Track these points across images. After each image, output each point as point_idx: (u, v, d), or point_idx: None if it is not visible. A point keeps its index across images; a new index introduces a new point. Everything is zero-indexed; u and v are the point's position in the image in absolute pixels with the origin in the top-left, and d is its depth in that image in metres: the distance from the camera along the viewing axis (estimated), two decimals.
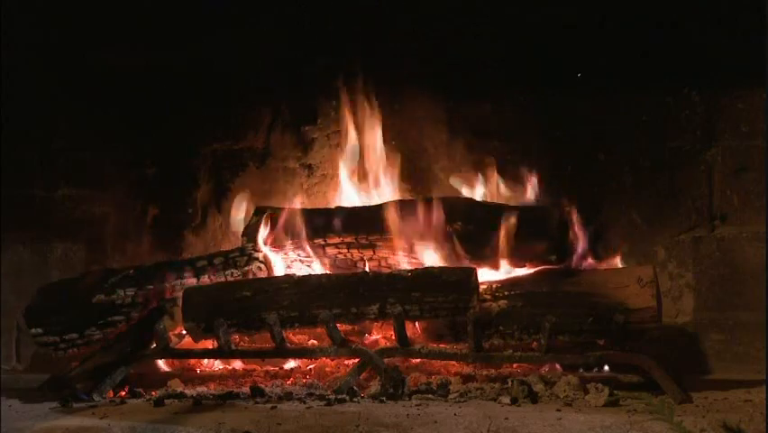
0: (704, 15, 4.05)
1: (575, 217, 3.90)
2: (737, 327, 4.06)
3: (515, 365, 3.73)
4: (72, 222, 4.52)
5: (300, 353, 3.76)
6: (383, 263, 3.94)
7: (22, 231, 4.51)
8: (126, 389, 3.70)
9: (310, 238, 3.95)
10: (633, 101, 4.17)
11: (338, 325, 3.65)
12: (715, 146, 4.12)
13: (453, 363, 3.74)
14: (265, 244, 4.01)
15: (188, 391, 3.64)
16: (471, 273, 3.63)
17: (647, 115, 4.18)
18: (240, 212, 4.33)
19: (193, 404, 3.40)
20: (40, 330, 3.78)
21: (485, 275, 3.79)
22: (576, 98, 4.18)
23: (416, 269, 3.75)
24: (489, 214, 3.88)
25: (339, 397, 3.42)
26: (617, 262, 3.96)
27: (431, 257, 3.86)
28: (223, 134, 4.50)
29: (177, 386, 3.72)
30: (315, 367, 3.84)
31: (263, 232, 4.02)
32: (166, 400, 3.46)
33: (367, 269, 3.92)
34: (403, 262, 3.91)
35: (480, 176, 4.17)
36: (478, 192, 4.14)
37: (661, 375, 3.44)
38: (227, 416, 3.19)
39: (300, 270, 4.02)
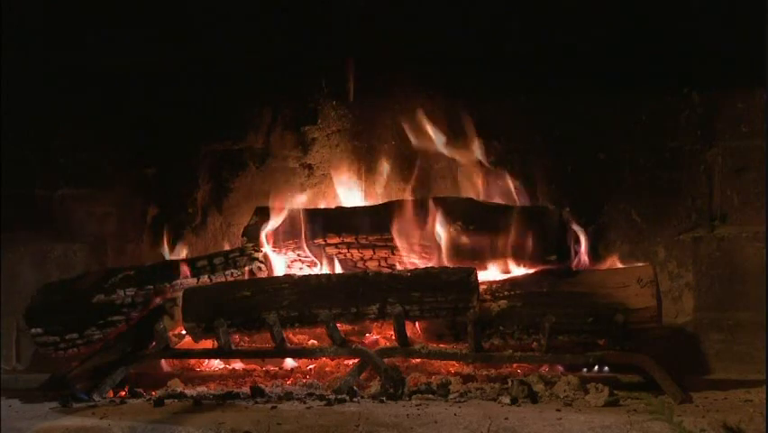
0: (704, 15, 4.05)
1: (575, 217, 3.90)
2: (737, 327, 4.06)
3: (515, 365, 3.73)
4: (72, 222, 4.52)
5: (300, 353, 3.76)
6: (383, 263, 3.94)
7: (22, 231, 4.50)
8: (126, 389, 3.70)
9: (310, 238, 3.95)
10: (633, 101, 4.17)
11: (338, 325, 3.65)
12: (715, 146, 4.12)
13: (453, 363, 3.74)
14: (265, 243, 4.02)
15: (188, 391, 3.64)
16: (471, 273, 3.63)
17: (647, 115, 4.18)
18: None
19: (193, 404, 3.40)
20: (40, 330, 3.78)
21: (485, 275, 3.79)
22: (576, 98, 4.18)
23: (416, 269, 3.76)
24: (489, 214, 3.88)
25: (339, 397, 3.43)
26: (617, 262, 3.96)
27: (431, 257, 3.86)
28: (223, 134, 4.50)
29: (177, 386, 3.72)
30: (315, 367, 3.84)
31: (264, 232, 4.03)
32: (166, 400, 3.46)
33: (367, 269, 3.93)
34: (403, 262, 3.91)
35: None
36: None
37: (661, 375, 3.44)
38: (227, 416, 3.20)
39: (300, 270, 4.02)
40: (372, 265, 3.95)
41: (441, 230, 3.85)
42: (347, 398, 3.43)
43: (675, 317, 4.11)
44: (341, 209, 4.08)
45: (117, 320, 3.79)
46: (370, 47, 4.28)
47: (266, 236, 4.01)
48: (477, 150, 4.19)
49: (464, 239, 3.84)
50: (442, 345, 3.70)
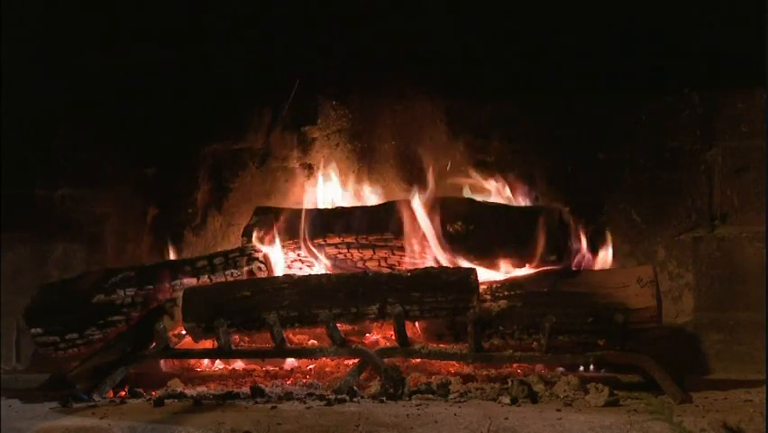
0: (704, 15, 4.05)
1: (575, 217, 3.90)
2: (737, 327, 4.07)
3: (515, 365, 3.73)
4: (72, 222, 4.52)
5: (300, 353, 3.76)
6: (383, 263, 3.94)
7: (22, 231, 4.50)
8: (126, 389, 3.70)
9: (310, 238, 3.95)
10: (633, 101, 4.17)
11: (338, 325, 3.65)
12: (715, 146, 4.13)
13: (453, 363, 3.74)
14: (265, 243, 4.01)
15: (188, 391, 3.64)
16: (471, 273, 3.63)
17: (647, 115, 4.18)
18: None
19: (193, 404, 3.40)
20: (40, 330, 3.78)
21: (485, 275, 3.79)
22: (576, 98, 4.19)
23: (415, 269, 3.75)
24: (489, 214, 3.88)
25: (339, 397, 3.43)
26: (617, 261, 3.96)
27: (431, 257, 3.86)
28: (223, 134, 4.50)
29: (177, 386, 3.72)
30: (315, 367, 3.84)
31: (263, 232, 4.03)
32: (166, 400, 3.46)
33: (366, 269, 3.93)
34: (403, 263, 3.90)
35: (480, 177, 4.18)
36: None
37: (661, 375, 3.44)
38: (227, 416, 3.20)
39: (300, 270, 4.02)
40: (372, 265, 3.94)
41: (441, 230, 3.85)
42: (347, 398, 3.43)
43: (675, 317, 4.11)
44: (341, 209, 4.07)
45: (117, 320, 3.79)
46: (371, 47, 4.28)
47: (265, 236, 4.01)
48: (477, 150, 4.20)
49: (464, 239, 3.84)
50: (442, 345, 3.70)
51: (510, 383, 3.48)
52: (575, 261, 3.85)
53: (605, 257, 3.94)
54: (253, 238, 3.98)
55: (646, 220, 4.18)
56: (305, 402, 3.39)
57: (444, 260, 3.83)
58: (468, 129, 4.28)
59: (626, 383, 3.53)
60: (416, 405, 3.33)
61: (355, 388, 3.51)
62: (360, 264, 3.96)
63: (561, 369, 3.67)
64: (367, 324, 3.81)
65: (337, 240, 3.94)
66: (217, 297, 3.75)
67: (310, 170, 4.43)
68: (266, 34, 4.38)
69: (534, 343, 3.60)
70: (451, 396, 3.47)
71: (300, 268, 4.03)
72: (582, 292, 3.66)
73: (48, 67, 4.47)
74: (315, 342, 3.85)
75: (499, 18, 4.21)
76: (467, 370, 3.72)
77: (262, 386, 3.62)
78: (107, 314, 3.78)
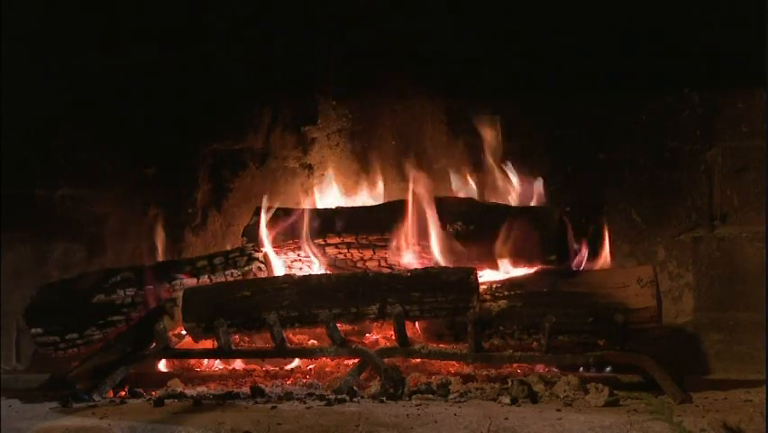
0: (704, 15, 4.06)
1: (575, 217, 3.90)
2: (737, 327, 4.07)
3: (515, 365, 3.73)
4: (72, 222, 4.52)
5: (300, 353, 3.76)
6: (383, 263, 3.94)
7: (22, 231, 4.51)
8: (126, 389, 3.70)
9: (310, 238, 3.95)
10: (633, 101, 4.17)
11: (338, 325, 3.65)
12: (715, 146, 4.13)
13: (453, 363, 3.74)
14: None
15: (188, 391, 3.64)
16: (471, 273, 3.63)
17: (647, 115, 4.18)
18: None
19: (193, 404, 3.40)
20: (40, 330, 3.79)
21: (485, 275, 3.79)
22: (576, 98, 4.18)
23: (415, 269, 3.75)
24: (488, 214, 3.88)
25: (339, 397, 3.43)
26: (617, 261, 3.95)
27: (431, 257, 3.86)
28: (223, 134, 4.50)
29: (177, 386, 3.72)
30: (315, 367, 3.84)
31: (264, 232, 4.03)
32: (166, 400, 3.46)
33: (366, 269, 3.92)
34: (403, 263, 3.90)
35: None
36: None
37: (661, 375, 3.44)
38: (227, 416, 3.20)
39: (300, 270, 4.02)
40: (372, 265, 3.94)
41: (441, 230, 3.85)
42: (347, 398, 3.43)
43: (675, 317, 4.11)
44: (341, 209, 4.08)
45: (117, 320, 3.80)
46: (370, 47, 4.28)
47: (266, 236, 4.01)
48: (477, 150, 4.20)
49: (464, 239, 3.84)
50: (442, 345, 3.70)
51: (510, 383, 3.48)
52: (575, 261, 3.85)
53: (605, 257, 3.94)
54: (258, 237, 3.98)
55: (646, 220, 4.18)
56: (305, 402, 3.39)
57: (444, 260, 3.83)
58: (468, 129, 4.27)
59: (626, 383, 3.53)
60: (416, 405, 3.33)
61: (355, 388, 3.51)
62: (360, 264, 3.96)
63: (555, 369, 3.67)
64: (367, 324, 3.81)
65: (337, 240, 3.94)
66: (217, 297, 3.75)
67: (310, 170, 4.43)
68: (266, 34, 4.39)
69: (534, 343, 3.60)
70: (451, 396, 3.47)
71: (300, 268, 4.03)
72: (582, 292, 3.66)
73: (48, 67, 4.48)
74: (315, 342, 3.85)
75: (499, 18, 4.22)
76: (467, 370, 3.72)
77: (262, 386, 3.62)
78: (107, 314, 3.79)
